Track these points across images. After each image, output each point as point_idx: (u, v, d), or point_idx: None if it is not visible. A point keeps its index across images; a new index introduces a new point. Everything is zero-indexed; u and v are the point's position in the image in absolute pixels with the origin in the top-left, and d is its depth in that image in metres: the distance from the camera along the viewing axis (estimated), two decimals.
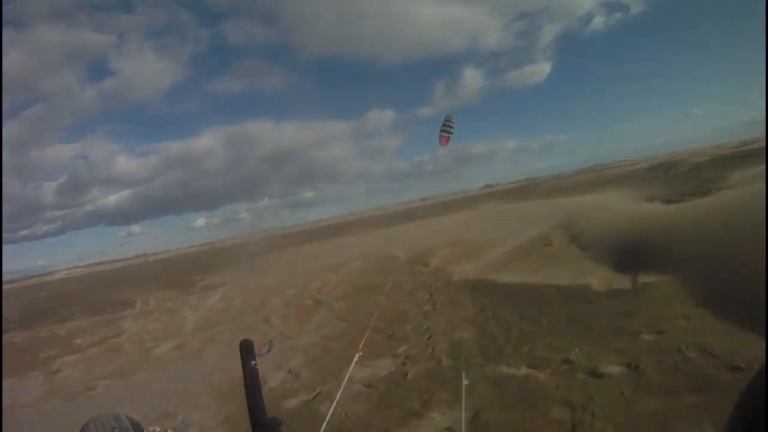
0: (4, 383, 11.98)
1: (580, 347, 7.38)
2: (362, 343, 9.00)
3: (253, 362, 1.73)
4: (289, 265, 29.33)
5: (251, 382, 1.67)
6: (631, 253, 12.38)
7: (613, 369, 6.54)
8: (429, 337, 9.74)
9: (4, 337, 20.09)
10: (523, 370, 7.15)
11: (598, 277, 11.51)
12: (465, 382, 6.17)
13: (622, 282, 10.66)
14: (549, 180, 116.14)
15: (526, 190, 74.07)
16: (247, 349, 1.78)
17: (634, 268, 11.18)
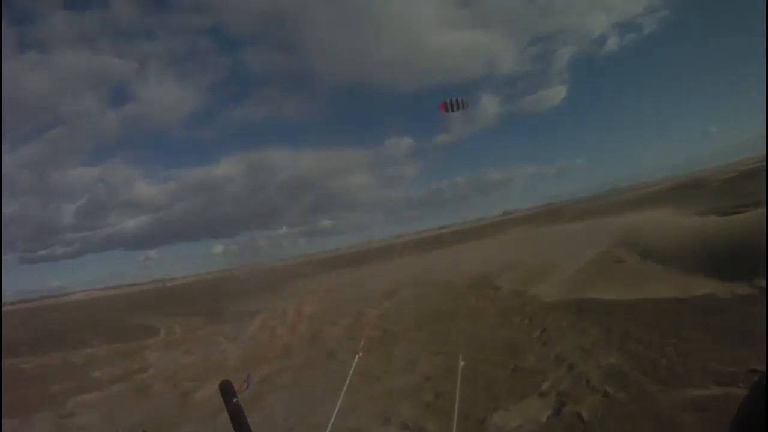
0: (7, 425, 9.52)
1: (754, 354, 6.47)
2: (362, 342, 8.96)
3: (234, 400, 1.65)
4: (327, 291, 26.68)
5: (237, 420, 1.61)
6: (728, 262, 11.52)
7: None
8: (570, 368, 7.91)
9: (14, 361, 17.71)
10: (715, 390, 6.14)
11: (712, 287, 10.39)
12: (461, 363, 5.42)
13: (743, 288, 9.74)
14: (570, 204, 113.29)
15: (552, 215, 71.53)
16: (226, 390, 1.69)
17: (742, 275, 10.30)
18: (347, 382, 9.16)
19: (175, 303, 42.91)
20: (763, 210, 17.16)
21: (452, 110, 12.43)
